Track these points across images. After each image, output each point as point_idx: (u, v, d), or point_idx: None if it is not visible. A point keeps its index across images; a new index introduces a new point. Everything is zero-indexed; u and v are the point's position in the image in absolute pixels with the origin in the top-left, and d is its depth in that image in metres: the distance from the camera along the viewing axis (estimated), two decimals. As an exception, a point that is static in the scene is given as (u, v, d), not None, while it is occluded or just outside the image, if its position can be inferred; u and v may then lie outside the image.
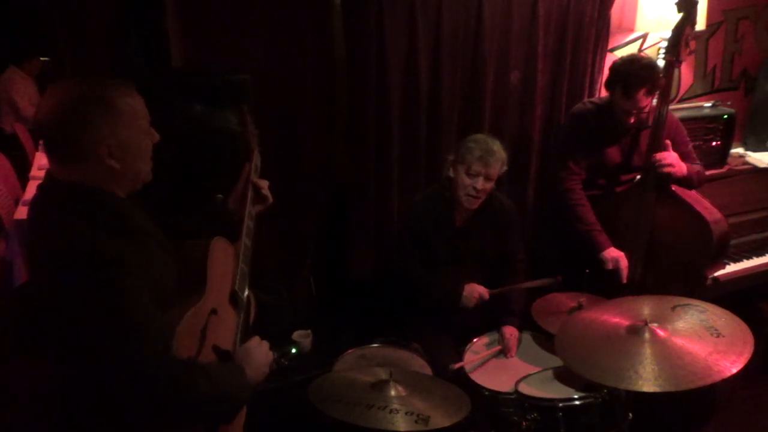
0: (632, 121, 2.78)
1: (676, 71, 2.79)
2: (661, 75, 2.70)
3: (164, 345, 1.39)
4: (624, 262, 2.77)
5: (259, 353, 1.64)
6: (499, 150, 2.56)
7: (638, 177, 2.89)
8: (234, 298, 1.69)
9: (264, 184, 1.91)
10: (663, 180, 2.72)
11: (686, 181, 2.80)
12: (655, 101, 2.76)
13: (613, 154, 2.91)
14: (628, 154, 2.91)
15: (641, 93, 2.67)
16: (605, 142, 2.89)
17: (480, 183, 2.53)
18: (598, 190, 2.98)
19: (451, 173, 2.61)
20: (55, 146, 1.42)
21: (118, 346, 1.32)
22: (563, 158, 2.92)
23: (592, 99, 3.09)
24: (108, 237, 1.39)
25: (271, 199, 1.92)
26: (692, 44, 2.73)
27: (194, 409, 1.43)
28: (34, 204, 1.48)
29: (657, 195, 2.77)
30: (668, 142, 2.72)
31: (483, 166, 2.51)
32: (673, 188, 2.80)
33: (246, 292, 1.74)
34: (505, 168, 2.63)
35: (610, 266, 2.78)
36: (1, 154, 4.33)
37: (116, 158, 1.43)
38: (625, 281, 2.77)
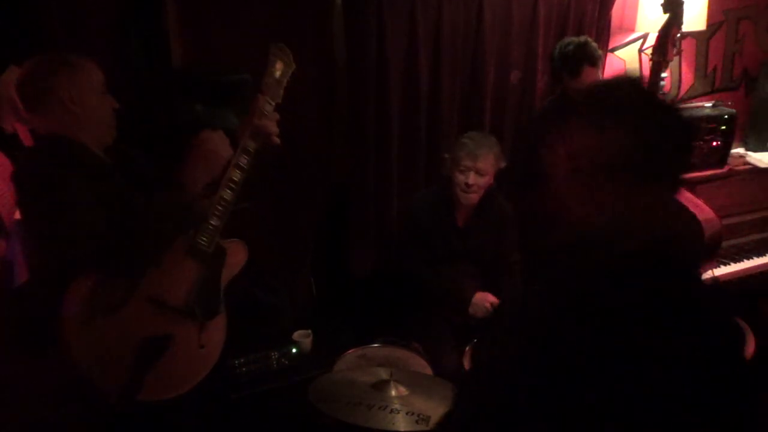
0: None
1: (674, 70, 2.80)
2: (595, 45, 2.84)
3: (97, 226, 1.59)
4: None
5: (207, 138, 1.73)
6: (490, 144, 2.57)
7: None
8: (192, 251, 1.75)
9: (270, 121, 1.85)
10: None
11: None
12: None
13: None
14: None
15: (585, 69, 2.77)
16: None
17: (471, 178, 2.53)
18: None
19: (448, 172, 2.63)
20: (26, 97, 1.73)
21: (52, 231, 1.61)
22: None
23: (548, 99, 3.13)
24: (62, 168, 1.64)
25: (276, 141, 1.86)
26: (680, 44, 2.77)
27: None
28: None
29: None
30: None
31: (471, 160, 2.52)
32: None
33: (212, 246, 1.76)
34: (503, 164, 2.63)
35: None
36: (2, 154, 4.32)
37: (76, 103, 1.69)
38: None
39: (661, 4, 2.70)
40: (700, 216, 2.75)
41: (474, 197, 2.60)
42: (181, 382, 1.75)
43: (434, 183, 2.87)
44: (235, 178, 1.74)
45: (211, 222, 1.74)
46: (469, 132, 2.67)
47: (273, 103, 1.86)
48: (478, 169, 2.54)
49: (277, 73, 1.88)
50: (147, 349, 1.66)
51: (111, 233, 1.60)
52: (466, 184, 2.55)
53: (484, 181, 2.58)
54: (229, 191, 1.74)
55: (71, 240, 1.57)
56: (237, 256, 1.91)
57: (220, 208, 1.74)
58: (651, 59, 2.76)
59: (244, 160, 1.76)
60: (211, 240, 1.76)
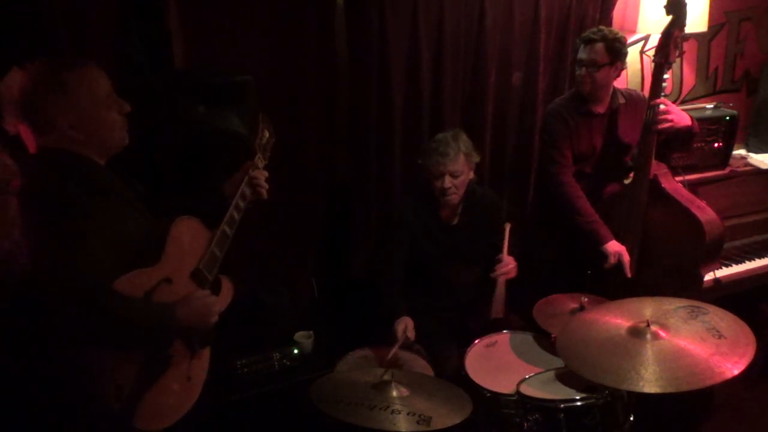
0: (587, 88, 2.85)
1: (675, 72, 2.79)
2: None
3: (99, 274, 1.55)
4: (626, 256, 2.78)
5: (198, 300, 1.74)
6: (458, 145, 2.59)
7: (629, 180, 2.91)
8: (196, 276, 1.80)
9: (261, 175, 2.03)
10: (665, 134, 2.74)
11: (689, 134, 2.81)
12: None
13: (593, 139, 2.94)
14: (607, 138, 2.95)
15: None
16: (582, 129, 2.92)
17: (447, 181, 2.57)
18: (586, 181, 2.99)
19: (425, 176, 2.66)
20: (26, 122, 1.66)
21: (56, 266, 1.51)
22: (549, 154, 2.95)
23: (561, 96, 3.12)
24: (72, 188, 1.60)
25: (265, 195, 2.03)
26: (682, 46, 2.76)
27: (114, 324, 1.56)
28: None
29: (650, 195, 2.78)
30: (666, 101, 2.74)
31: (442, 165, 2.56)
32: (665, 188, 2.82)
33: (213, 275, 1.83)
34: (477, 159, 2.67)
35: (612, 260, 2.78)
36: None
37: (77, 129, 1.65)
38: (629, 275, 2.76)
39: (664, 6, 2.70)
40: (701, 217, 2.76)
41: (454, 198, 2.63)
42: (166, 414, 1.72)
43: (416, 187, 2.88)
44: (236, 216, 1.93)
45: (215, 251, 1.84)
46: (437, 135, 2.67)
47: (264, 162, 2.10)
48: (450, 172, 2.57)
49: (264, 140, 2.14)
50: (150, 363, 1.65)
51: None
52: (443, 188, 2.59)
53: (460, 180, 2.61)
54: (228, 227, 1.90)
55: (79, 275, 1.52)
56: (227, 293, 1.93)
57: (222, 240, 1.87)
58: (653, 61, 2.76)
59: (241, 203, 1.97)
60: (213, 268, 1.84)
